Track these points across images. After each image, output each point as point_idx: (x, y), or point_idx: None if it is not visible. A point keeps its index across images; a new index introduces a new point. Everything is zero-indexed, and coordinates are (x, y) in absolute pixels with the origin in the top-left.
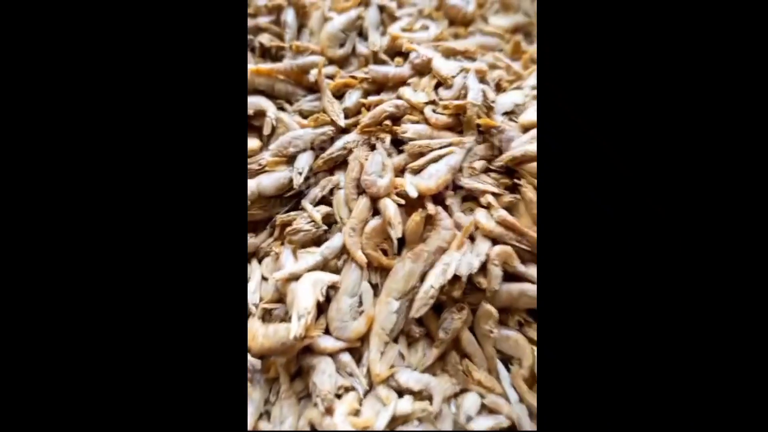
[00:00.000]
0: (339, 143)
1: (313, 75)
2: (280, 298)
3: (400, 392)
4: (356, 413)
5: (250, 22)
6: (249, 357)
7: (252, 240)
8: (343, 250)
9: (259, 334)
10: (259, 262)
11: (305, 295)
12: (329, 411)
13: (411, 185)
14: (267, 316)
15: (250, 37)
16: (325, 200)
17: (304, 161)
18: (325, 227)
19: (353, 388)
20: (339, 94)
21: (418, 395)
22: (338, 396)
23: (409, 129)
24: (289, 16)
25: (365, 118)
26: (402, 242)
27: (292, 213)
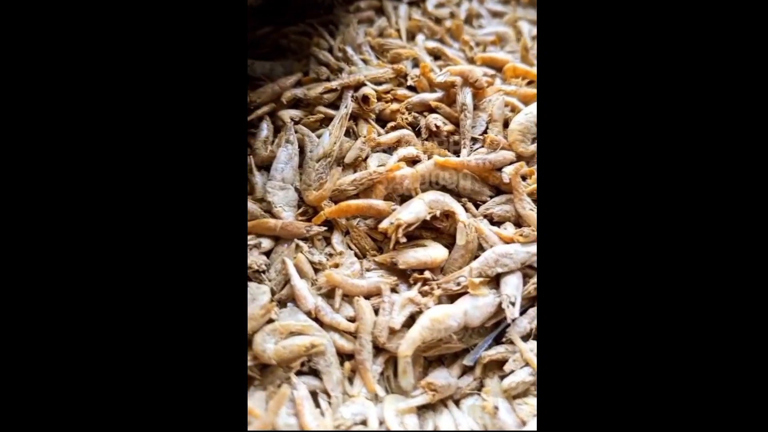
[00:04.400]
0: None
1: (507, 175)
2: None
3: None
4: None
5: (415, 99)
6: None
7: (449, 380)
8: None
9: None
10: (456, 404)
11: None
12: None
13: None
14: None
15: (414, 114)
16: (533, 333)
17: (514, 287)
18: None
19: None
20: (533, 199)
21: None
22: None
23: None
24: (468, 98)
25: None
26: None
27: (499, 349)
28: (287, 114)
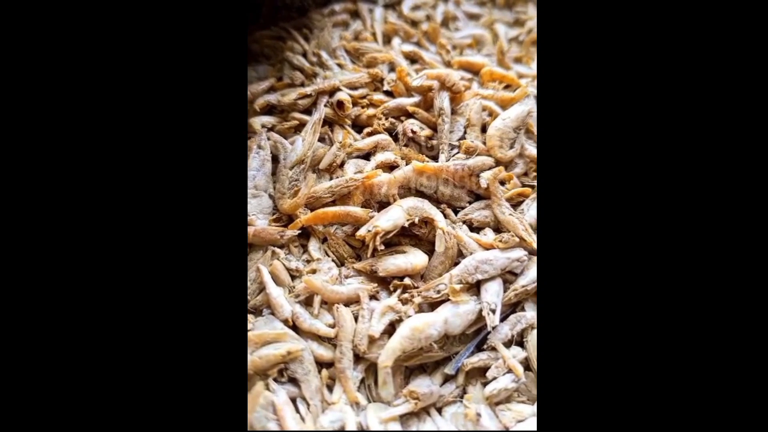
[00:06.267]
0: (533, 272)
1: (485, 180)
2: None
3: None
4: None
5: (392, 104)
6: None
7: (432, 388)
8: None
9: None
10: (439, 412)
11: None
12: None
13: None
14: None
15: (391, 120)
16: (515, 339)
17: (494, 293)
18: (524, 380)
19: None
20: (512, 204)
21: None
22: None
23: None
24: (445, 102)
25: None
26: None
27: (481, 356)
28: (258, 121)
